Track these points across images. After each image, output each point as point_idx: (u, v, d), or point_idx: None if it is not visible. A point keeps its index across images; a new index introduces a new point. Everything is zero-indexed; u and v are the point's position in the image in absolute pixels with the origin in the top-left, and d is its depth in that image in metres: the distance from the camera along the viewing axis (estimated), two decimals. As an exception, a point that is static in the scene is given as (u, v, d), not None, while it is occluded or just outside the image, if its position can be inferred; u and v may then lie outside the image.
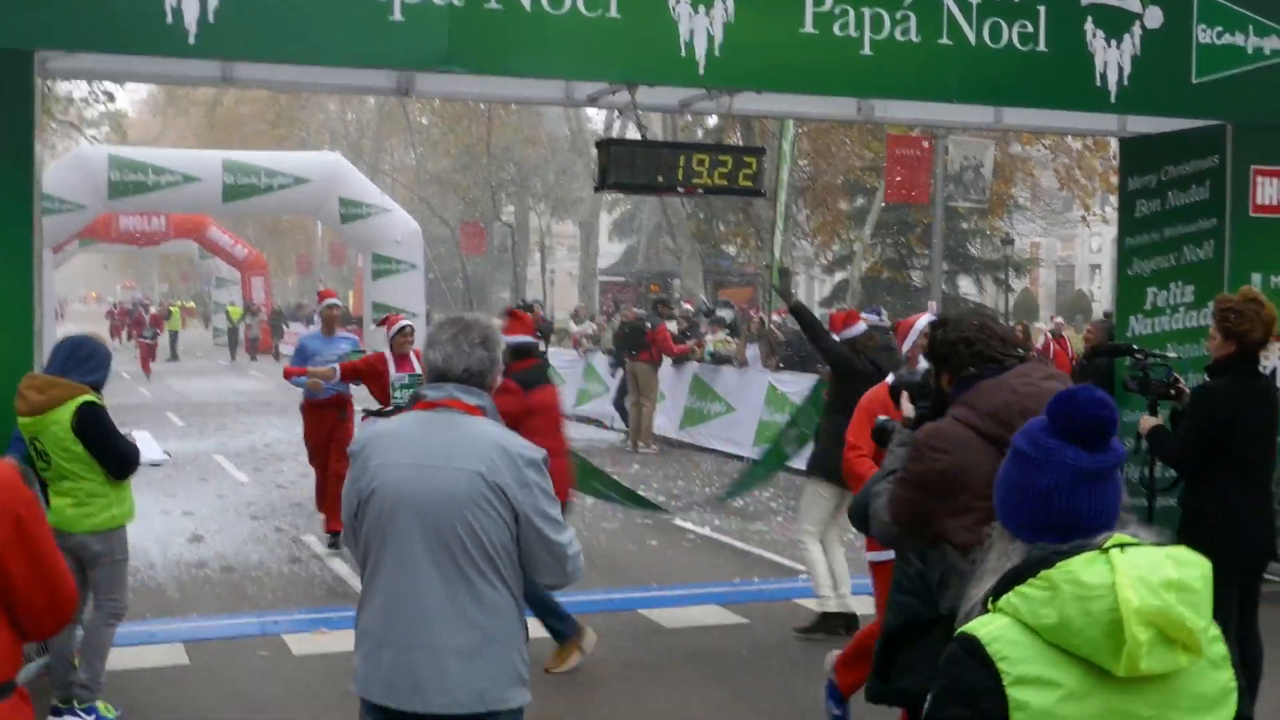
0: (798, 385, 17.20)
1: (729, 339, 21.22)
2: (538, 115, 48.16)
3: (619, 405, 20.95)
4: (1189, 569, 2.31)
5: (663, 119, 31.80)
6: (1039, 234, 55.92)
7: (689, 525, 13.25)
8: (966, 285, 47.78)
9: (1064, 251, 63.50)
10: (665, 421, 20.28)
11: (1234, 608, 6.55)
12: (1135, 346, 8.32)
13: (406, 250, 29.83)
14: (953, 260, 44.00)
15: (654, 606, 9.67)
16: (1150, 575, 2.26)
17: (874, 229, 37.53)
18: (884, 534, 4.27)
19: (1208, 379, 6.99)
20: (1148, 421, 7.20)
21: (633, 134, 17.52)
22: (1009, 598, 2.35)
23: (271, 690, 7.68)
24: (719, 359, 20.15)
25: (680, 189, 9.50)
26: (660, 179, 9.39)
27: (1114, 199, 41.97)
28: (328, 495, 11.30)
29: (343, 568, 10.88)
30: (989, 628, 2.34)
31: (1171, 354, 8.43)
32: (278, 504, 14.35)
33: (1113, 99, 9.98)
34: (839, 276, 45.87)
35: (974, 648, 2.33)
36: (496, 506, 3.87)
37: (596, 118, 49.75)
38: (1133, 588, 2.23)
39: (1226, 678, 2.39)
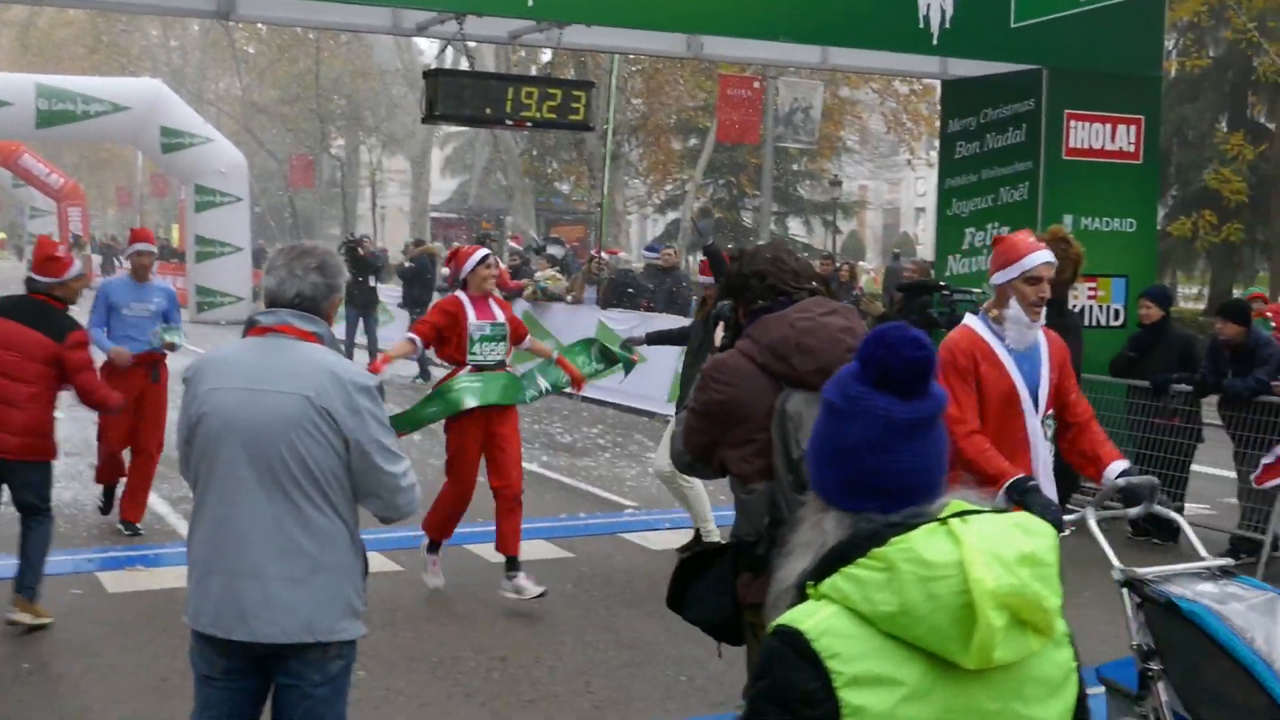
0: (628, 322, 17.26)
1: (558, 275, 21.18)
2: (368, 47, 47.21)
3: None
4: (1039, 539, 2.01)
5: (495, 56, 31.46)
6: (867, 177, 56.96)
7: (517, 461, 13.22)
8: (796, 226, 48.45)
9: (890, 195, 64.69)
10: (495, 358, 20.15)
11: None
12: (943, 283, 8.50)
13: (231, 182, 29.06)
14: (783, 201, 44.55)
15: (479, 541, 9.65)
16: (1002, 549, 1.94)
17: (706, 169, 37.75)
18: (680, 462, 4.30)
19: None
20: None
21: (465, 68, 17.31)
22: (835, 581, 1.99)
23: (85, 628, 7.49)
24: (549, 296, 20.11)
25: (509, 121, 9.44)
26: (488, 111, 9.31)
27: (938, 143, 42.94)
28: (119, 470, 10.02)
29: (161, 505, 10.64)
30: (815, 618, 1.97)
31: (977, 290, 8.62)
32: (93, 441, 13.91)
33: (934, 41, 10.19)
34: (671, 216, 46.07)
35: (799, 643, 1.96)
36: (325, 432, 3.82)
37: (429, 50, 48.94)
38: (985, 565, 1.91)
39: (1068, 656, 2.09)
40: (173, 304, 10.03)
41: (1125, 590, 4.68)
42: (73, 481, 11.65)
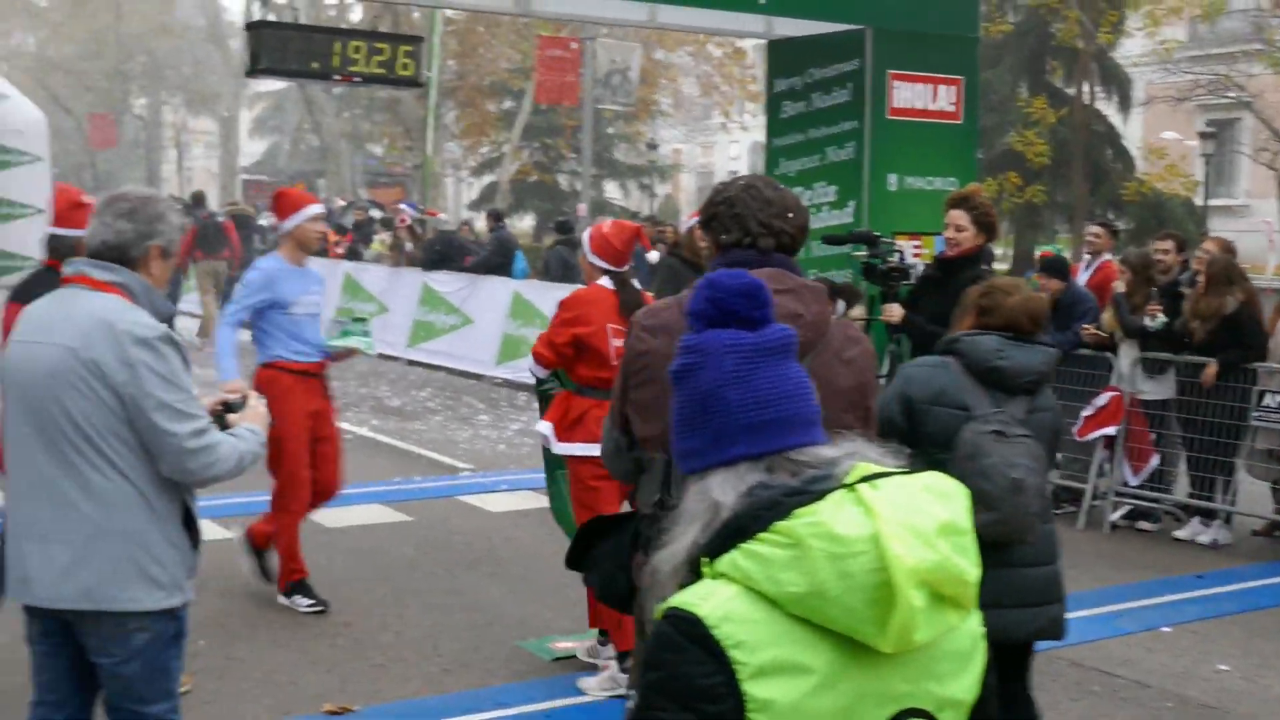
0: (453, 285, 17.10)
1: (384, 240, 20.90)
2: (169, 3, 45.74)
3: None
4: (954, 502, 1.85)
5: (306, 6, 30.72)
6: (680, 140, 57.37)
7: (346, 425, 12.95)
8: (612, 189, 48.54)
9: (704, 158, 65.26)
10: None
11: None
12: (876, 233, 8.40)
13: (30, 141, 27.75)
14: (599, 165, 44.58)
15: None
16: (918, 520, 1.78)
17: (522, 132, 37.52)
18: (606, 443, 3.83)
19: (972, 270, 6.91)
20: (897, 310, 7.14)
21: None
22: (735, 558, 1.80)
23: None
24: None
25: (336, 76, 9.19)
26: (315, 65, 9.07)
27: (751, 106, 43.33)
28: None
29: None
30: (713, 601, 1.78)
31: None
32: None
33: (761, 0, 10.24)
34: (487, 179, 45.71)
35: (696, 631, 1.76)
36: (94, 386, 3.60)
37: (232, 7, 47.61)
38: (902, 540, 1.74)
39: (976, 623, 1.94)
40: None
41: None
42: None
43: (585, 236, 6.37)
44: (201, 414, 3.75)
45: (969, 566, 1.82)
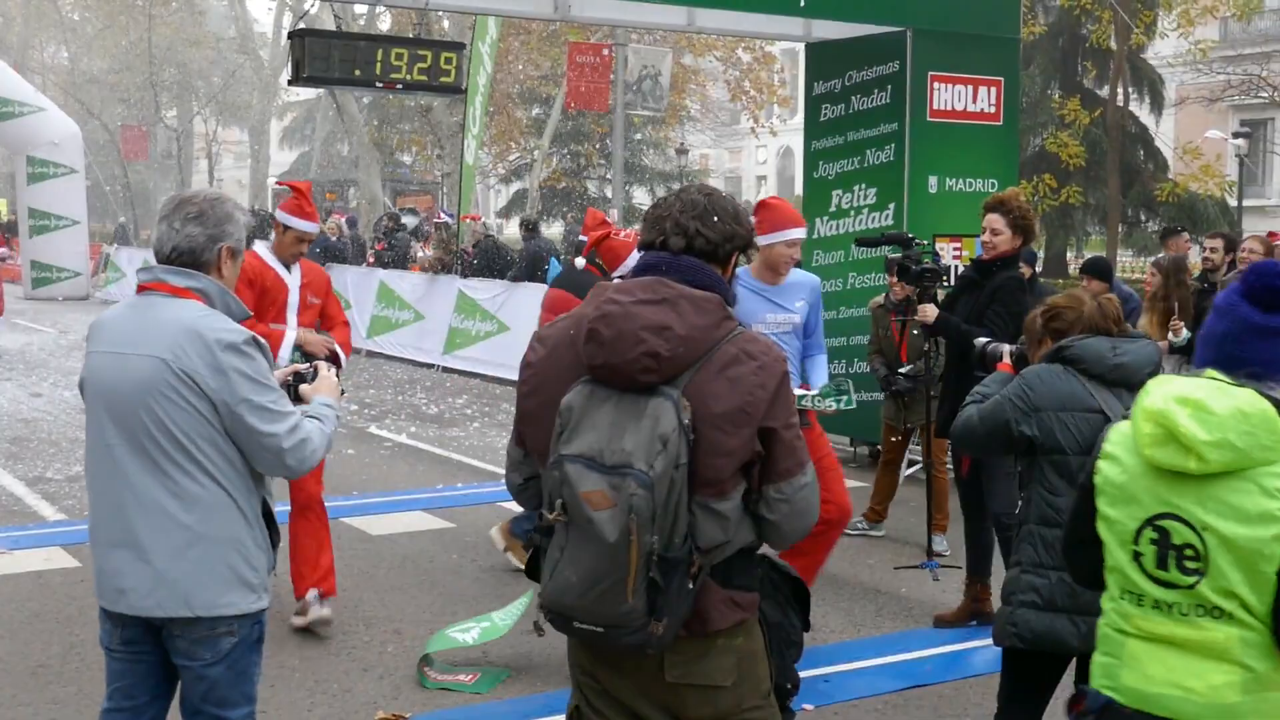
0: (489, 291, 17.10)
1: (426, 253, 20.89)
2: (200, 14, 45.98)
3: None
4: (1223, 399, 2.74)
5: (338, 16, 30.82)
6: (708, 146, 57.27)
7: (385, 433, 13.03)
8: (641, 195, 48.51)
9: (732, 163, 65.19)
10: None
11: None
12: (910, 235, 8.34)
13: (65, 153, 28.05)
14: (627, 171, 44.56)
15: (358, 515, 9.47)
16: (1176, 391, 2.78)
17: (552, 138, 37.54)
18: (511, 454, 3.56)
19: (1006, 272, 6.96)
20: (932, 310, 7.14)
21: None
22: None
23: (-50, 616, 7.14)
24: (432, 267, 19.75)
25: (379, 84, 9.21)
26: (357, 73, 9.09)
27: (779, 111, 43.14)
28: None
29: (17, 486, 10.21)
30: (1123, 423, 2.99)
31: (924, 240, 8.42)
32: (-65, 423, 13.37)
33: (802, 3, 10.21)
34: (515, 186, 45.77)
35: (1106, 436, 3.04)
36: (186, 396, 3.60)
37: (264, 20, 47.82)
38: (1150, 394, 2.83)
39: (1274, 506, 2.70)
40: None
41: None
42: (-82, 465, 11.14)
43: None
44: (292, 410, 3.76)
45: (1191, 427, 2.74)
